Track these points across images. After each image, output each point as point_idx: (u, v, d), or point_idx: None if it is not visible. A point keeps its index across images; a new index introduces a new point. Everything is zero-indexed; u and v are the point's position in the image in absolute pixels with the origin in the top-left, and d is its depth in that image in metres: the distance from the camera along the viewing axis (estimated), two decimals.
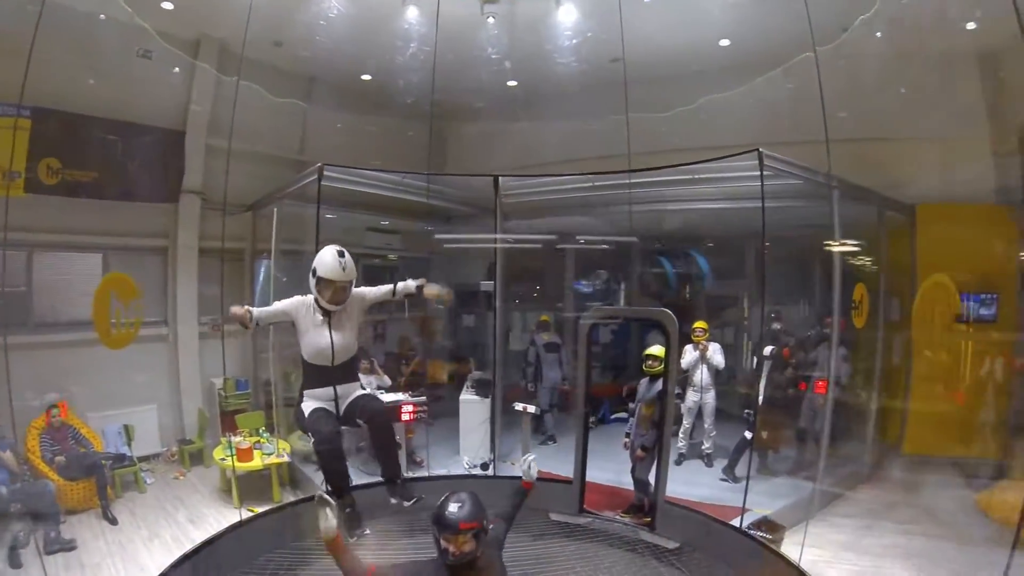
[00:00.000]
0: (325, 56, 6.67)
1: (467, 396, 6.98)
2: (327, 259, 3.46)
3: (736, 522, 4.80)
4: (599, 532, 4.94)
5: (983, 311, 6.21)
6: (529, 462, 3.30)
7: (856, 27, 5.84)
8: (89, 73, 5.96)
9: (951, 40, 5.76)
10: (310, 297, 3.53)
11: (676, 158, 6.07)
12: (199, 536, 4.78)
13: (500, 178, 6.48)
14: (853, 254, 6.20)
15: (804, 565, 4.05)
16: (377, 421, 3.65)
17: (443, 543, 2.39)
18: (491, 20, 6.44)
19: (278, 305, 3.59)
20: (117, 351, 5.12)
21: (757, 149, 5.30)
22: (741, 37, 6.47)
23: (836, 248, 5.84)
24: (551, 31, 6.51)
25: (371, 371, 6.68)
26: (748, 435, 5.96)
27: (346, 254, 3.48)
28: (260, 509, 5.10)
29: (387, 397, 6.23)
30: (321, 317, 3.52)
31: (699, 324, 6.62)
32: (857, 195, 6.06)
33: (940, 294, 5.23)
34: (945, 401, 6.18)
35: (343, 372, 3.68)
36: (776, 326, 6.57)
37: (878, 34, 5.86)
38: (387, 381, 6.72)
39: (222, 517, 5.38)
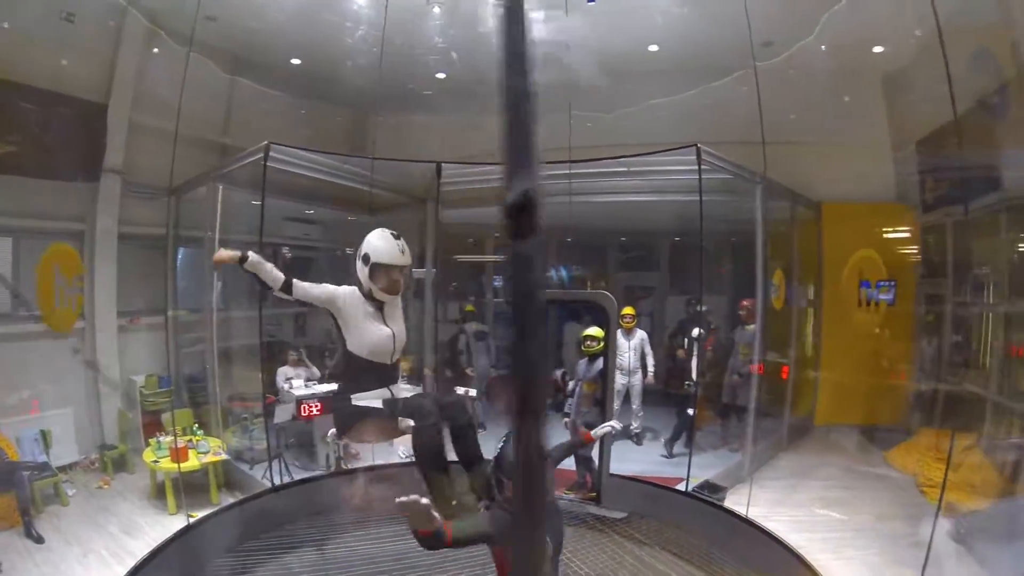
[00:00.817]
0: (262, 35, 6.32)
1: (401, 386, 6.90)
2: (381, 242, 3.10)
3: (681, 487, 5.15)
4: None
5: (882, 296, 6.93)
6: (607, 429, 3.46)
7: (789, 45, 6.39)
8: (5, 34, 5.34)
9: (862, 59, 6.51)
10: (353, 288, 3.13)
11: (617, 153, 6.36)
12: (137, 547, 4.44)
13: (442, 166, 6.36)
14: (772, 244, 6.61)
15: None
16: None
17: (507, 485, 2.64)
18: (436, 10, 6.30)
19: (326, 288, 3.10)
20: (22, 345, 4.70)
21: (696, 144, 5.68)
22: (680, 44, 6.69)
23: (759, 239, 6.29)
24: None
25: (299, 363, 6.57)
26: (690, 412, 6.32)
27: (400, 236, 3.16)
28: (199, 514, 4.74)
29: (321, 388, 6.14)
30: (372, 308, 3.13)
31: (627, 310, 6.90)
32: (776, 192, 6.55)
33: (867, 265, 5.67)
34: (852, 376, 6.88)
35: (396, 371, 3.36)
36: (701, 309, 7.02)
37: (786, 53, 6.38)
38: (316, 373, 6.58)
39: (159, 525, 4.97)
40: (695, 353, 6.65)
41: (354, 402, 3.17)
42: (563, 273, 8.50)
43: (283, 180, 6.01)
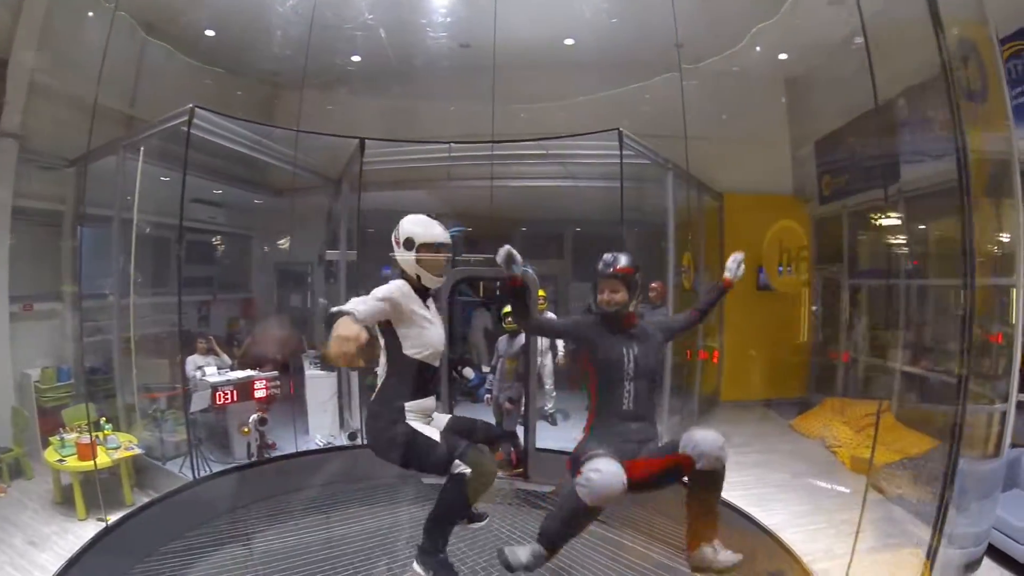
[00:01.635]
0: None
1: (313, 372, 6.76)
2: (421, 222, 2.91)
3: None
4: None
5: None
6: (739, 261, 3.20)
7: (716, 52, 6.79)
8: None
9: (769, 65, 7.06)
10: (401, 282, 2.82)
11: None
12: (48, 560, 4.13)
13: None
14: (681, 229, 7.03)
15: None
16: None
17: (599, 293, 2.87)
18: None
19: (377, 294, 2.64)
20: None
21: (618, 129, 5.88)
22: (609, 42, 6.79)
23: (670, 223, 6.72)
24: (426, 4, 6.34)
25: (209, 351, 6.33)
26: None
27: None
28: (113, 516, 4.27)
29: (235, 375, 5.91)
30: (422, 300, 2.87)
31: (539, 292, 6.91)
32: (686, 181, 6.94)
33: (787, 235, 6.05)
34: (755, 354, 7.44)
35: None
36: None
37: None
38: (227, 360, 6.40)
39: (69, 533, 4.58)
40: None
41: (408, 415, 2.79)
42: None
43: (194, 156, 5.54)
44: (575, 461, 2.76)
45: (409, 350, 2.77)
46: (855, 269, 7.17)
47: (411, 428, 2.77)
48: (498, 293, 7.49)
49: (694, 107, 6.50)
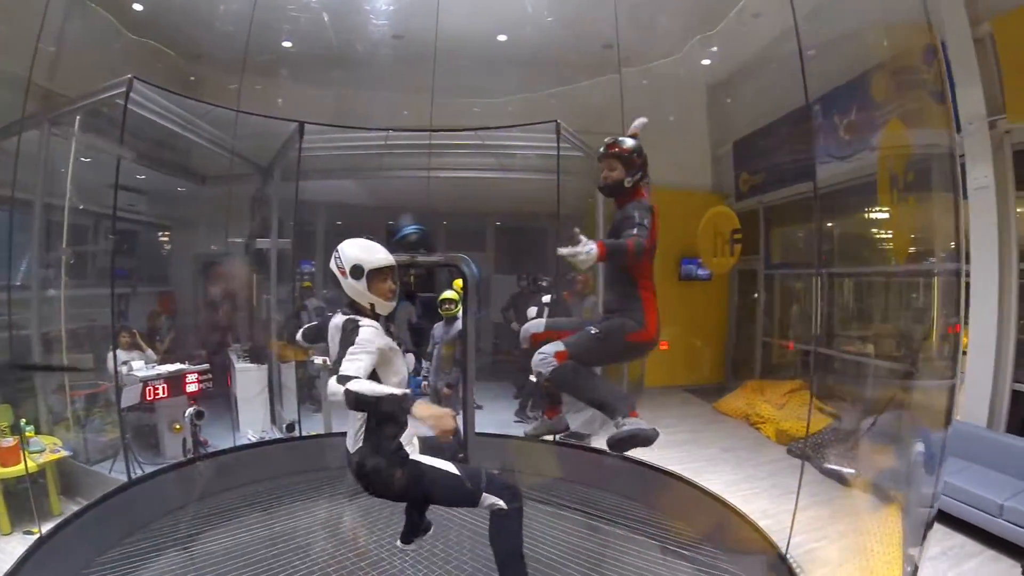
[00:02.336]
0: None
1: (242, 365, 6.53)
2: (366, 245, 2.69)
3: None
4: None
5: (700, 272, 7.98)
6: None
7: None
8: None
9: (694, 70, 7.46)
10: (367, 320, 2.58)
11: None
12: None
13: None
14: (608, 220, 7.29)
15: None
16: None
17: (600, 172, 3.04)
18: None
19: (367, 348, 2.40)
20: None
21: (556, 121, 6.04)
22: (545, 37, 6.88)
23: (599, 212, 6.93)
24: None
25: (133, 345, 5.93)
26: (533, 378, 6.73)
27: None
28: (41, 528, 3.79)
29: (165, 368, 5.62)
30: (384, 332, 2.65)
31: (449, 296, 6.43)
32: None
33: (721, 220, 6.44)
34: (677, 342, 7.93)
35: None
36: (544, 283, 7.46)
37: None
38: (152, 355, 6.03)
39: None
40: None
41: (418, 457, 2.66)
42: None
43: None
44: None
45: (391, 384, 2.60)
46: (771, 261, 7.78)
47: (420, 464, 2.67)
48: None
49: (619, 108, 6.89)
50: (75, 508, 4.30)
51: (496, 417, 6.89)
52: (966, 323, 5.09)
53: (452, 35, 6.20)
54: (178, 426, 5.48)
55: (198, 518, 4.25)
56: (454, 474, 2.64)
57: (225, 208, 6.68)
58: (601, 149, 3.09)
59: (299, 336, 3.14)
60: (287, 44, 6.59)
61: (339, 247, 2.70)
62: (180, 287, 7.46)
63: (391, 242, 6.71)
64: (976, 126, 4.78)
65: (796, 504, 3.78)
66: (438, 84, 6.05)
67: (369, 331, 2.47)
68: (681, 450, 5.86)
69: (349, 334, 2.46)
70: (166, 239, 7.59)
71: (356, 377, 2.23)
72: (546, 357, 2.99)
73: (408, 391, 2.27)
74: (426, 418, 2.15)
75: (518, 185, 7.15)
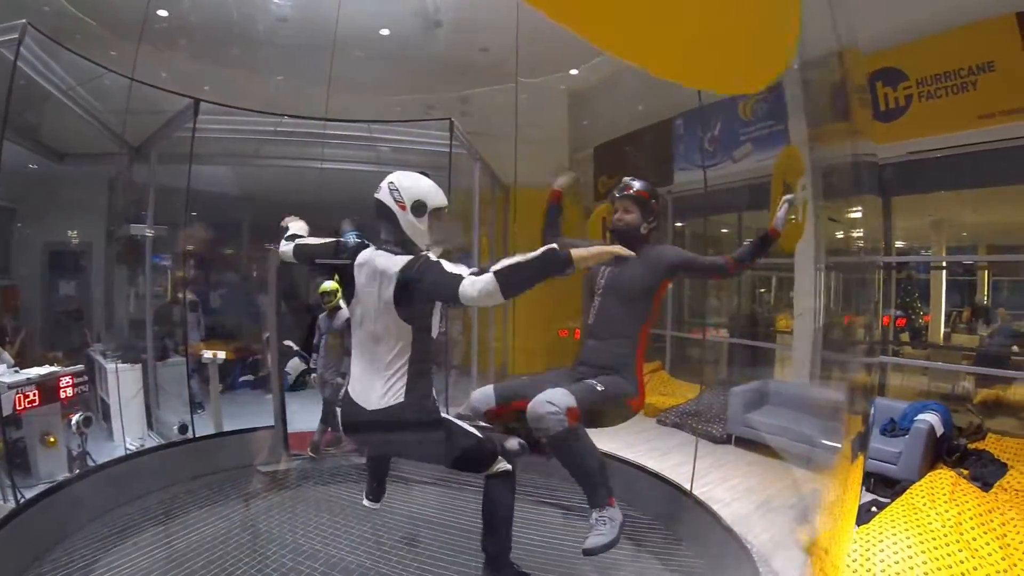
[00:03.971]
0: None
1: (113, 365, 5.84)
2: (426, 183, 2.51)
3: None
4: (310, 472, 5.01)
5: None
6: (785, 202, 2.98)
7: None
8: None
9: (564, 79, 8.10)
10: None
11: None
12: None
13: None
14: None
15: None
16: None
17: (614, 211, 2.93)
18: None
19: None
20: None
21: (450, 119, 6.33)
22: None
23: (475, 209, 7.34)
24: None
25: None
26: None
27: None
28: None
29: (33, 372, 4.95)
30: None
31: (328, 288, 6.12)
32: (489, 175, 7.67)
33: (610, 215, 6.95)
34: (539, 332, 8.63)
35: None
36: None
37: None
38: (9, 359, 5.29)
39: None
40: None
41: (448, 416, 2.52)
42: None
43: None
44: None
45: (437, 332, 2.55)
46: None
47: (452, 422, 2.60)
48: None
49: (500, 109, 7.33)
50: None
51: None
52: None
53: (350, 25, 6.16)
54: (52, 438, 4.85)
55: (92, 542, 3.74)
56: (476, 434, 2.58)
57: (84, 190, 5.87)
58: (617, 190, 2.95)
59: (288, 249, 2.88)
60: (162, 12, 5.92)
61: (394, 178, 2.49)
62: (26, 281, 6.42)
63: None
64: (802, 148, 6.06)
65: (695, 454, 4.54)
66: (338, 73, 5.92)
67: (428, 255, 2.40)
68: None
69: (431, 266, 2.28)
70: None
71: (483, 270, 2.09)
72: (558, 412, 2.53)
73: (554, 244, 2.12)
74: (589, 258, 2.10)
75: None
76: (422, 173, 2.57)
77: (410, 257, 2.39)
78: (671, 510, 4.15)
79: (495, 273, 2.03)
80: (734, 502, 4.83)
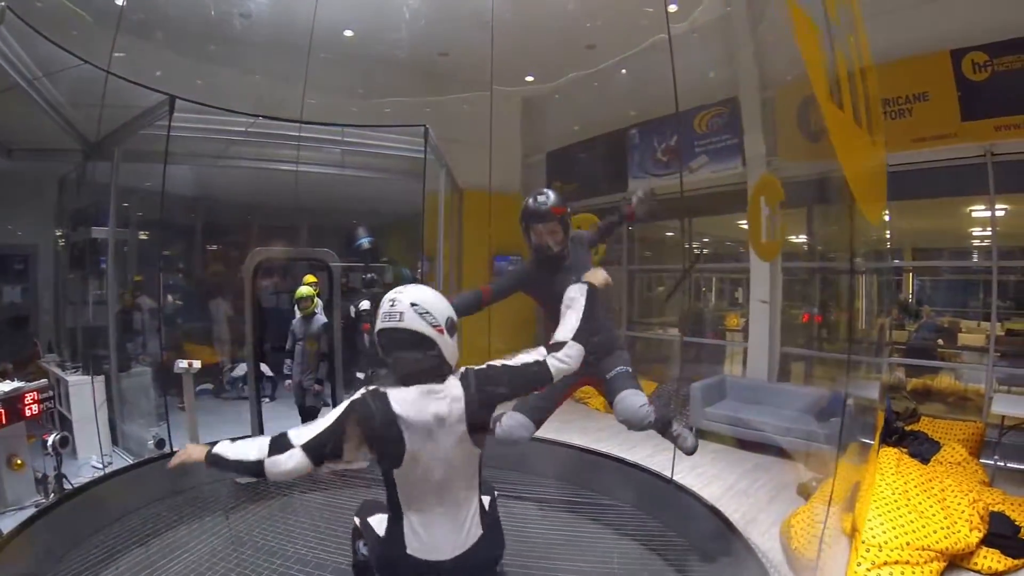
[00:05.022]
0: None
1: (74, 378, 5.49)
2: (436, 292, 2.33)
3: None
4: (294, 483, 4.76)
5: (510, 268, 8.91)
6: (637, 194, 3.31)
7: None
8: None
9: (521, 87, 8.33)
10: None
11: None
12: None
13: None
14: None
15: None
16: None
17: (534, 236, 2.90)
18: None
19: None
20: None
21: (424, 125, 6.41)
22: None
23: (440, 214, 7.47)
24: None
25: None
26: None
27: None
28: None
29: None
30: None
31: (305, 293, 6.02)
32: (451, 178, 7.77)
33: (581, 221, 7.12)
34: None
35: None
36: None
37: None
38: None
39: None
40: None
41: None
42: None
43: None
44: None
45: None
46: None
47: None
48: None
49: (459, 115, 7.47)
50: None
51: None
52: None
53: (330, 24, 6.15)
54: (19, 461, 4.52)
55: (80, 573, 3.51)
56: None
57: (34, 190, 5.43)
58: (539, 207, 2.91)
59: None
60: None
61: (416, 299, 2.09)
62: None
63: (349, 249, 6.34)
64: (757, 161, 6.61)
65: (674, 449, 4.91)
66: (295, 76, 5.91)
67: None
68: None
69: (495, 369, 2.15)
70: None
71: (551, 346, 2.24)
72: (646, 406, 2.94)
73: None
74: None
75: (378, 185, 7.24)
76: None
77: (457, 378, 2.11)
78: (653, 496, 4.46)
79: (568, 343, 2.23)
80: (704, 488, 5.20)
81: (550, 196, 2.91)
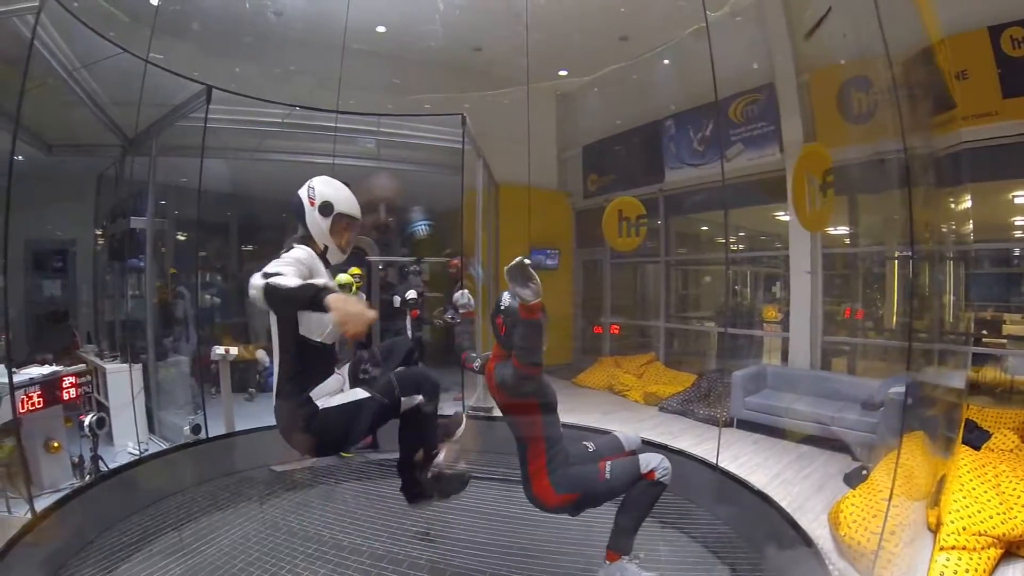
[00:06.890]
0: None
1: (112, 366, 5.53)
2: (339, 189, 2.62)
3: None
4: (328, 470, 4.92)
5: (548, 262, 8.90)
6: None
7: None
8: None
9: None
10: (307, 249, 2.50)
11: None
12: None
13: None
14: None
15: None
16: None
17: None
18: None
19: (289, 258, 2.33)
20: None
21: (462, 114, 6.37)
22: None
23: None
24: None
25: None
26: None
27: None
28: None
29: (34, 371, 4.62)
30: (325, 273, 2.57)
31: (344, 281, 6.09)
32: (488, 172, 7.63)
33: (627, 207, 6.91)
34: None
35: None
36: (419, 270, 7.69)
37: None
38: None
39: None
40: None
41: (321, 402, 2.49)
42: None
43: None
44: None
45: (306, 330, 2.49)
46: (615, 252, 9.00)
47: (329, 411, 2.61)
48: None
49: (495, 110, 7.46)
50: None
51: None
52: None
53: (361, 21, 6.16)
54: (56, 443, 4.54)
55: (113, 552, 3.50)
56: (365, 398, 2.57)
57: (74, 185, 5.50)
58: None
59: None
60: None
61: (313, 181, 2.62)
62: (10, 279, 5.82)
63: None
64: (796, 147, 6.46)
65: (719, 436, 4.82)
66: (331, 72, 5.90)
67: (303, 251, 2.45)
68: (567, 417, 6.57)
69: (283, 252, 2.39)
70: None
71: (280, 273, 2.12)
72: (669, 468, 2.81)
73: (327, 282, 2.24)
74: (340, 311, 1.89)
75: (414, 177, 7.25)
76: (344, 183, 2.70)
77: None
78: (701, 482, 4.38)
79: (268, 281, 2.05)
80: (749, 476, 5.05)
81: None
